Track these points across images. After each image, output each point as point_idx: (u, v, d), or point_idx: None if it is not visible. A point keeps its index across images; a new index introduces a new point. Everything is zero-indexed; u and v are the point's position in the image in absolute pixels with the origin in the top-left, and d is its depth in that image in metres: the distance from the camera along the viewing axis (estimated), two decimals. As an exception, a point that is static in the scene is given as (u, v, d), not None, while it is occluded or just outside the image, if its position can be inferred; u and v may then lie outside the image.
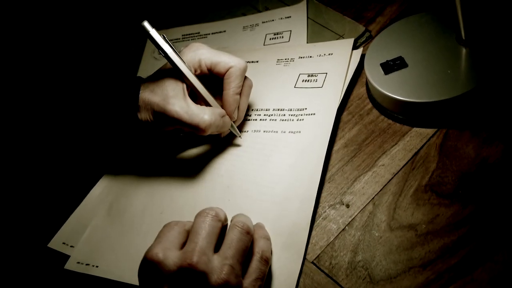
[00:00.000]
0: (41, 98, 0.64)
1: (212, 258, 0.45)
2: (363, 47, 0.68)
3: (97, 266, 0.56)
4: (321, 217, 0.54)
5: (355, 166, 0.57)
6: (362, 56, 0.65)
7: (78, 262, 0.57)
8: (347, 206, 0.54)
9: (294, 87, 0.66)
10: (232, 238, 0.47)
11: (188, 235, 0.48)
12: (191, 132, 0.57)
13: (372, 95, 0.62)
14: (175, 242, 0.46)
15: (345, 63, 0.65)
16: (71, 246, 0.59)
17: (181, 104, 0.56)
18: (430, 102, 0.55)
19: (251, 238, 0.49)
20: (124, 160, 0.67)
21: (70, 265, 0.57)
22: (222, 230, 0.49)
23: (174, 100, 0.56)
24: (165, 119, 0.56)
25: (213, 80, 0.60)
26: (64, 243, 0.60)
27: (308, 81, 0.66)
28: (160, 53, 0.56)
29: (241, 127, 0.64)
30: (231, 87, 0.58)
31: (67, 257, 0.58)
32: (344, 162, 0.57)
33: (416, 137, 0.56)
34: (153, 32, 0.56)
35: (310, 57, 0.69)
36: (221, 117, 0.58)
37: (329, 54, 0.67)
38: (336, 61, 0.66)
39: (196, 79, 0.58)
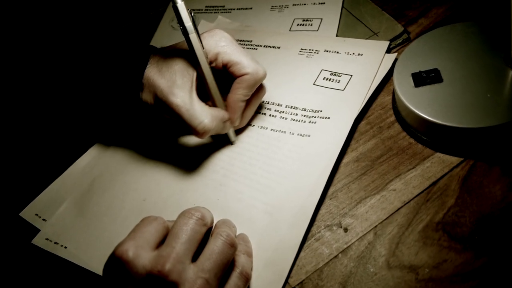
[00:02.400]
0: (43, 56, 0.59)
1: (188, 267, 0.40)
2: (398, 50, 0.61)
3: (65, 247, 0.52)
4: (313, 237, 0.48)
5: (363, 186, 0.50)
6: (395, 61, 0.58)
7: (47, 239, 0.53)
8: (345, 230, 0.48)
9: (313, 83, 0.59)
10: (213, 249, 0.42)
11: (166, 234, 0.42)
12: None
13: (397, 107, 0.55)
14: (150, 241, 0.41)
15: (374, 68, 0.58)
16: (43, 220, 0.55)
17: (185, 98, 0.50)
18: (461, 128, 0.48)
19: (234, 252, 0.43)
20: (119, 133, 0.62)
21: (38, 241, 0.53)
22: (205, 234, 0.44)
23: (179, 91, 0.50)
24: (164, 108, 0.51)
25: (227, 76, 0.53)
26: (37, 214, 0.55)
27: (329, 79, 0.59)
28: (181, 30, 0.49)
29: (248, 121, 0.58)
30: (238, 93, 0.52)
31: (37, 231, 0.54)
32: (352, 179, 0.51)
33: (438, 164, 0.50)
34: (181, 6, 0.48)
35: (337, 52, 0.62)
36: (222, 122, 0.53)
37: (358, 54, 0.60)
38: (365, 64, 0.59)
39: (211, 73, 0.51)
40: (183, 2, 0.48)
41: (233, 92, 0.53)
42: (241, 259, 0.44)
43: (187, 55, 0.51)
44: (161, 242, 0.42)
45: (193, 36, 0.49)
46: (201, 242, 0.43)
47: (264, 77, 0.53)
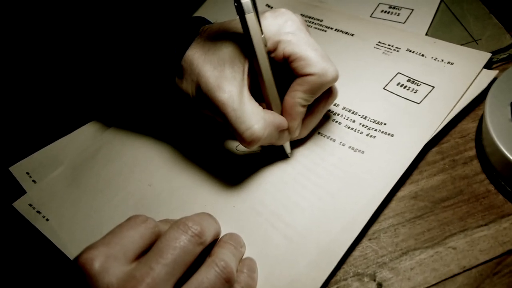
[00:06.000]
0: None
1: None
2: (499, 67, 0.49)
3: (47, 219, 0.45)
4: (336, 285, 0.38)
5: (414, 232, 0.39)
6: (493, 81, 0.45)
7: (30, 205, 0.46)
8: (379, 285, 0.37)
9: (383, 88, 0.48)
10: (202, 282, 0.33)
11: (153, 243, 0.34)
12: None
13: (481, 140, 0.43)
14: (128, 250, 0.32)
15: (464, 85, 0.46)
16: (33, 181, 0.48)
17: (233, 94, 0.39)
18: None
19: None
20: (144, 104, 0.53)
21: (19, 205, 0.46)
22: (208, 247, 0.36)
23: (227, 84, 0.39)
24: (207, 104, 0.40)
25: (289, 71, 0.41)
26: (28, 173, 0.48)
27: (405, 87, 0.47)
28: (235, 7, 0.38)
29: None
30: (297, 96, 0.40)
31: (22, 192, 0.47)
32: (402, 220, 0.40)
33: (520, 228, 0.38)
34: None
35: (422, 55, 0.50)
36: (277, 131, 0.41)
37: (448, 63, 0.48)
38: (454, 77, 0.47)
39: (269, 66, 0.40)
40: None
41: (291, 94, 0.41)
42: (237, 295, 0.35)
43: (240, 39, 0.40)
44: (145, 252, 0.33)
45: (250, 17, 0.38)
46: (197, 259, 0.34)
47: (334, 80, 0.41)
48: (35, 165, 0.49)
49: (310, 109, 0.43)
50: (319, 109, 0.43)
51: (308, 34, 0.41)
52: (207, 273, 0.33)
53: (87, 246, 0.32)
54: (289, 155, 0.45)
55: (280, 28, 0.40)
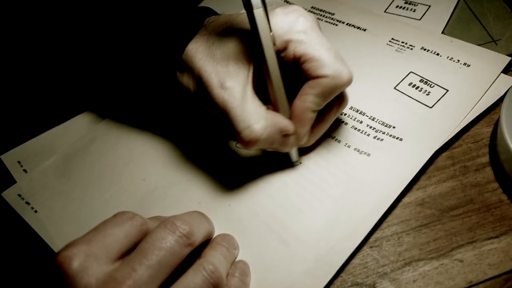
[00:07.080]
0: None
1: None
2: (518, 70, 0.46)
3: (36, 211, 0.43)
4: (334, 294, 0.36)
5: (419, 242, 0.37)
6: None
7: (19, 195, 0.45)
8: (379, 297, 0.35)
9: (394, 87, 0.46)
10: (188, 285, 0.31)
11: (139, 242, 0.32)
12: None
13: (496, 146, 0.40)
14: (111, 249, 0.31)
15: (481, 90, 0.44)
16: (24, 170, 0.46)
17: (235, 91, 0.37)
18: None
19: None
20: (143, 98, 0.51)
21: (8, 195, 0.45)
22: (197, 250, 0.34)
23: (230, 80, 0.37)
24: (207, 100, 0.38)
25: (299, 72, 0.38)
26: (19, 162, 0.47)
27: (417, 88, 0.45)
28: (242, 2, 0.35)
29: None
30: (307, 99, 0.37)
31: (12, 182, 0.46)
32: (407, 228, 0.38)
33: (533, 242, 0.36)
34: None
35: (437, 54, 0.47)
36: (280, 134, 0.38)
37: (464, 64, 0.46)
38: (469, 80, 0.44)
39: (277, 66, 0.37)
40: None
41: (302, 98, 0.38)
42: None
43: (248, 35, 0.38)
44: (129, 252, 0.32)
45: (258, 13, 0.35)
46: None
47: (348, 83, 0.38)
48: (27, 154, 0.48)
49: (320, 116, 0.40)
50: (330, 116, 0.41)
51: (321, 33, 0.38)
52: (194, 277, 0.31)
53: (67, 243, 0.30)
54: (295, 163, 0.42)
55: (291, 27, 0.37)
